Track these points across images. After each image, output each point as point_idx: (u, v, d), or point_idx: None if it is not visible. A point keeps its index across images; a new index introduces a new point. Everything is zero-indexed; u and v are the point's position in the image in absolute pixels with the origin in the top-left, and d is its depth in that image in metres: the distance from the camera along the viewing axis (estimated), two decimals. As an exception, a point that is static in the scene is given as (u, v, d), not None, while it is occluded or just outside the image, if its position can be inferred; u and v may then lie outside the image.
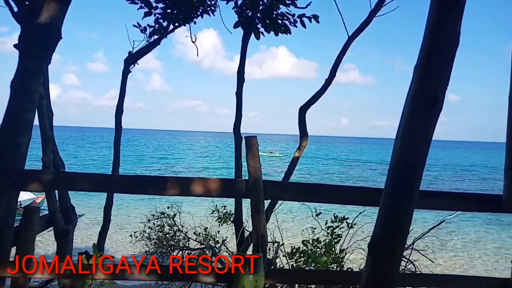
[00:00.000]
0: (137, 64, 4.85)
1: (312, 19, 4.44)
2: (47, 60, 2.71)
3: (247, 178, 2.57)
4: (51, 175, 2.57)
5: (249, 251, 3.73)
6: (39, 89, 2.68)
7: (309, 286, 3.55)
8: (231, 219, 5.11)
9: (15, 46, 2.66)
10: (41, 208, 3.60)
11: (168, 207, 5.75)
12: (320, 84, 4.47)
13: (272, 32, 4.54)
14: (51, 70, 3.62)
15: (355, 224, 4.24)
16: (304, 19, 4.43)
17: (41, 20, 2.58)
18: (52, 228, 3.41)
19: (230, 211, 5.30)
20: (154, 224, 5.56)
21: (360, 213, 4.24)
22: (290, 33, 4.50)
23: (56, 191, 3.39)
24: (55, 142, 3.44)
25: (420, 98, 1.51)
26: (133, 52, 4.73)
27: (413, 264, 3.94)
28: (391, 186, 1.59)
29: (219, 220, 5.31)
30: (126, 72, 4.78)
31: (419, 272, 3.85)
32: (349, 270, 3.52)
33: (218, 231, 5.38)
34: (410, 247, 4.01)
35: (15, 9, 2.74)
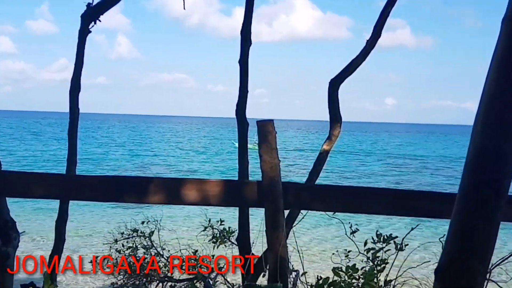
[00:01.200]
0: (99, 21, 4.85)
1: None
2: None
3: (259, 179, 2.57)
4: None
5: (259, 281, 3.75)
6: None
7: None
8: (231, 238, 5.13)
9: None
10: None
11: (143, 222, 5.79)
12: (354, 48, 4.45)
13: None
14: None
15: (406, 245, 4.25)
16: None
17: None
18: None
19: (230, 228, 5.33)
20: (123, 245, 5.60)
21: (413, 228, 4.24)
22: None
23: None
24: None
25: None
26: (94, 3, 4.73)
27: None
28: (468, 187, 1.58)
29: (214, 239, 5.35)
30: (84, 33, 4.79)
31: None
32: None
33: (213, 255, 5.41)
34: (485, 278, 4.01)
35: None
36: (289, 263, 4.11)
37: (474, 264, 1.57)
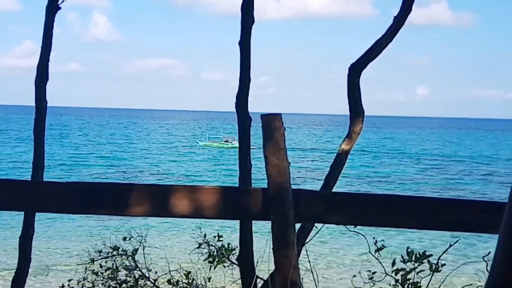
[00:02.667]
0: (70, -5, 4.87)
1: None
2: None
3: (264, 186, 2.57)
4: None
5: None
6: None
7: None
8: (232, 256, 5.13)
9: None
10: None
11: (125, 238, 5.81)
12: (380, 28, 4.44)
13: None
14: None
15: (443, 265, 4.25)
16: None
17: None
18: None
19: (229, 244, 5.34)
20: (101, 266, 5.63)
21: (451, 245, 4.25)
22: None
23: None
24: None
25: None
26: (64, -26, 4.75)
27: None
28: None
29: (211, 258, 5.36)
30: (52, 10, 4.81)
31: None
32: None
33: (209, 278, 5.42)
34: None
35: None
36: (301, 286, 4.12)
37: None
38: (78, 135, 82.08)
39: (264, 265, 4.10)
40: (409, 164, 53.97)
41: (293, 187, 2.57)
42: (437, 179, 43.15)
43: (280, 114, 2.51)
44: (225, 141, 67.07)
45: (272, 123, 2.49)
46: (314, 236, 4.33)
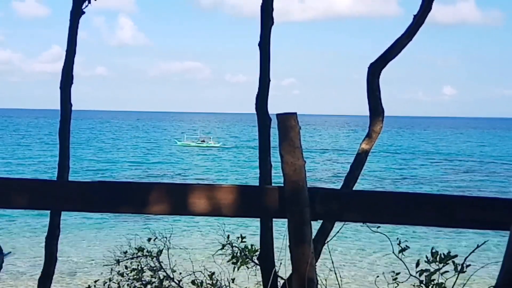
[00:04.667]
0: (95, 0, 4.93)
1: None
2: None
3: (280, 184, 2.59)
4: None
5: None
6: None
7: None
8: (254, 256, 5.14)
9: None
10: None
11: (150, 240, 5.87)
12: (405, 27, 4.40)
13: None
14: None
15: (468, 266, 4.21)
16: None
17: None
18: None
19: (252, 245, 5.36)
20: (126, 267, 5.69)
21: (479, 245, 4.19)
22: None
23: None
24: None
25: None
26: (88, -20, 4.82)
27: None
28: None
29: (234, 260, 5.38)
30: (76, 15, 4.87)
31: None
32: None
33: (233, 279, 5.44)
34: None
35: None
36: (321, 286, 4.11)
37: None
38: (103, 138, 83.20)
39: (285, 265, 4.11)
40: (431, 163, 53.38)
41: (310, 185, 2.59)
42: (468, 180, 42.48)
43: (295, 113, 2.53)
44: (202, 141, 69.98)
45: (288, 122, 2.51)
46: (334, 236, 4.32)
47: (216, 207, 2.55)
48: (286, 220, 2.63)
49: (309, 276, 2.49)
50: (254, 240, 5.61)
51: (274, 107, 4.66)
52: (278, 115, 2.55)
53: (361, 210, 2.55)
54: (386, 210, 2.52)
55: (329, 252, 4.32)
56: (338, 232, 4.28)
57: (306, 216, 2.49)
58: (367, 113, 4.39)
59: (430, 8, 4.24)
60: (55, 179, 4.86)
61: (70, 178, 5.13)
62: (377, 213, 2.55)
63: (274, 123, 4.58)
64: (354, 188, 4.25)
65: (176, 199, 2.56)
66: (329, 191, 2.62)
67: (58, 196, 2.61)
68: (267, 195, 2.60)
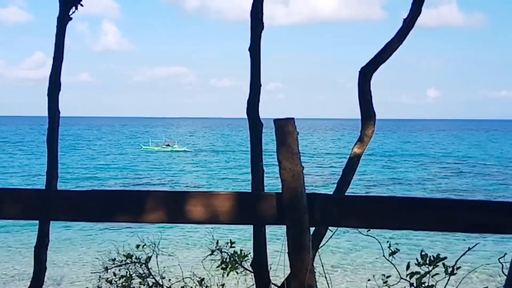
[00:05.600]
0: (81, 5, 4.89)
1: None
2: None
3: (277, 191, 2.56)
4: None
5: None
6: None
7: None
8: (244, 262, 5.12)
9: None
10: None
11: (138, 246, 5.83)
12: (390, 31, 4.42)
13: None
14: None
15: (458, 268, 4.22)
16: None
17: None
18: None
19: (241, 250, 5.34)
20: (115, 274, 5.64)
21: (470, 248, 4.21)
22: None
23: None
24: None
25: None
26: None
27: None
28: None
29: (224, 265, 5.36)
30: (63, 20, 4.83)
31: None
32: None
33: (223, 285, 5.41)
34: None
35: None
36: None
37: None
38: (88, 145, 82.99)
39: (276, 271, 4.09)
40: (418, 166, 53.86)
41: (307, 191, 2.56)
42: (456, 182, 42.85)
43: (293, 118, 2.51)
44: (166, 145, 70.78)
45: (286, 128, 2.50)
46: (328, 240, 4.31)
47: (213, 214, 2.52)
48: (276, 226, 2.61)
49: (309, 283, 2.47)
50: (242, 245, 5.59)
51: (260, 111, 4.66)
52: (275, 120, 2.53)
53: (360, 216, 2.54)
54: (385, 215, 2.51)
55: (319, 256, 4.32)
56: (331, 236, 4.28)
57: (305, 222, 2.47)
58: (352, 116, 4.39)
59: (420, 12, 4.26)
60: (43, 187, 4.81)
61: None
62: (376, 219, 2.54)
63: (265, 128, 4.60)
64: (346, 192, 4.25)
65: (173, 207, 2.53)
66: (328, 197, 2.61)
67: (51, 205, 2.57)
68: (265, 202, 2.58)
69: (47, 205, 2.57)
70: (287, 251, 2.56)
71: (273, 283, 4.39)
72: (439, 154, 69.08)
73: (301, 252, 2.50)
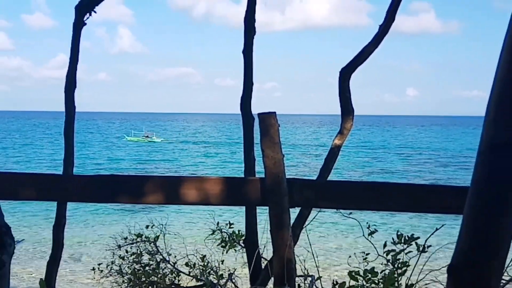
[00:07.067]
0: (95, 12, 4.90)
1: None
2: None
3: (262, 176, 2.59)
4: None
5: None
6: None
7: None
8: (241, 241, 5.16)
9: None
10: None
11: (148, 226, 5.86)
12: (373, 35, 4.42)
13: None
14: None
15: (429, 247, 4.24)
16: None
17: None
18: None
19: (239, 231, 5.37)
20: (127, 252, 5.67)
21: (437, 228, 4.22)
22: None
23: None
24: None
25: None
26: (89, -7, 4.78)
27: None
28: (481, 178, 1.58)
29: (223, 244, 5.38)
30: (78, 26, 4.84)
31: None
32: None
33: (222, 261, 5.45)
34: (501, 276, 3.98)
35: None
36: (303, 269, 4.12)
37: (489, 259, 1.57)
38: (107, 137, 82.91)
39: (268, 249, 4.13)
40: (395, 157, 53.86)
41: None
42: (425, 170, 42.92)
43: (274, 112, 2.54)
44: (146, 137, 70.55)
45: (268, 120, 2.52)
46: (311, 221, 4.34)
47: (204, 197, 2.55)
48: (262, 206, 2.64)
49: (288, 257, 2.50)
50: (240, 226, 5.63)
51: (258, 108, 4.62)
52: (259, 114, 2.56)
53: (334, 198, 2.57)
54: (356, 197, 2.54)
55: (307, 235, 4.34)
56: (314, 218, 4.30)
57: (285, 204, 2.50)
58: (338, 112, 4.40)
59: (394, 19, 4.26)
60: (61, 173, 4.84)
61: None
62: (348, 201, 2.57)
63: (257, 122, 4.62)
64: (328, 179, 4.27)
65: (169, 190, 2.56)
66: (305, 181, 2.63)
67: (64, 188, 2.60)
68: (250, 185, 2.61)
69: (60, 188, 2.61)
70: (269, 229, 2.59)
71: (263, 258, 4.41)
72: (416, 146, 69.07)
73: (281, 230, 2.53)
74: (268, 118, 2.52)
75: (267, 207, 2.62)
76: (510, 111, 1.52)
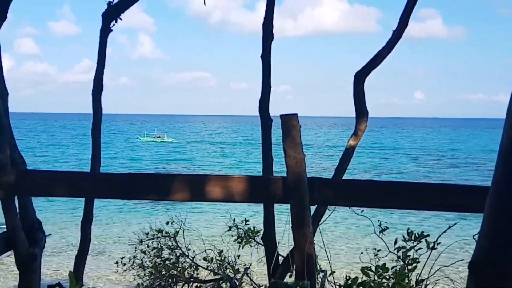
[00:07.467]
0: (120, 19, 4.92)
1: None
2: None
3: (283, 175, 2.58)
4: (11, 176, 2.68)
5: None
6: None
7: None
8: (257, 237, 5.15)
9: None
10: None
11: (168, 223, 5.87)
12: (383, 42, 4.40)
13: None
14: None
15: (438, 244, 4.19)
16: None
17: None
18: (11, 252, 3.53)
19: (254, 227, 5.36)
20: (148, 246, 5.69)
21: (450, 226, 4.18)
22: None
23: (16, 200, 3.50)
24: (13, 133, 3.55)
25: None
26: (114, 1, 4.80)
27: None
28: (502, 179, 1.56)
29: (239, 240, 5.38)
30: (105, 32, 4.86)
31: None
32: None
33: (239, 256, 5.45)
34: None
35: None
36: (317, 263, 4.11)
37: (510, 260, 1.55)
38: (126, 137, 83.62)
39: (285, 243, 4.12)
40: (405, 158, 53.50)
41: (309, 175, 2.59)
42: (434, 171, 42.54)
43: (296, 114, 2.53)
44: (158, 137, 70.53)
45: (290, 122, 2.52)
46: (327, 218, 4.32)
47: (229, 194, 2.56)
48: (283, 206, 2.64)
49: (309, 253, 2.49)
50: (255, 222, 5.63)
51: (272, 110, 4.65)
52: (281, 115, 2.56)
53: (351, 197, 2.55)
54: (371, 196, 2.53)
55: (320, 233, 4.32)
56: (330, 215, 4.28)
57: (306, 202, 2.49)
58: (349, 114, 4.38)
59: (407, 25, 4.23)
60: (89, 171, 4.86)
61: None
62: (364, 199, 2.55)
63: (275, 123, 4.61)
64: (343, 178, 4.25)
65: (195, 188, 2.58)
66: (325, 180, 2.62)
67: (94, 185, 2.62)
68: (273, 184, 2.61)
69: (90, 185, 2.62)
70: (291, 226, 2.58)
71: (280, 254, 4.40)
72: (425, 147, 68.53)
73: (303, 227, 2.53)
74: (290, 120, 2.52)
75: (285, 205, 2.62)
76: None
